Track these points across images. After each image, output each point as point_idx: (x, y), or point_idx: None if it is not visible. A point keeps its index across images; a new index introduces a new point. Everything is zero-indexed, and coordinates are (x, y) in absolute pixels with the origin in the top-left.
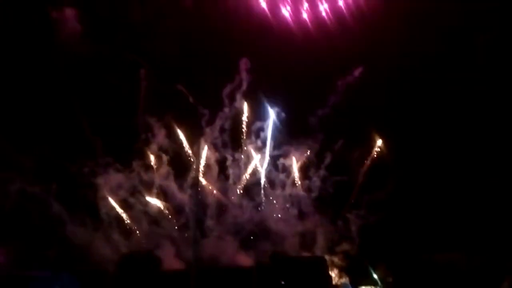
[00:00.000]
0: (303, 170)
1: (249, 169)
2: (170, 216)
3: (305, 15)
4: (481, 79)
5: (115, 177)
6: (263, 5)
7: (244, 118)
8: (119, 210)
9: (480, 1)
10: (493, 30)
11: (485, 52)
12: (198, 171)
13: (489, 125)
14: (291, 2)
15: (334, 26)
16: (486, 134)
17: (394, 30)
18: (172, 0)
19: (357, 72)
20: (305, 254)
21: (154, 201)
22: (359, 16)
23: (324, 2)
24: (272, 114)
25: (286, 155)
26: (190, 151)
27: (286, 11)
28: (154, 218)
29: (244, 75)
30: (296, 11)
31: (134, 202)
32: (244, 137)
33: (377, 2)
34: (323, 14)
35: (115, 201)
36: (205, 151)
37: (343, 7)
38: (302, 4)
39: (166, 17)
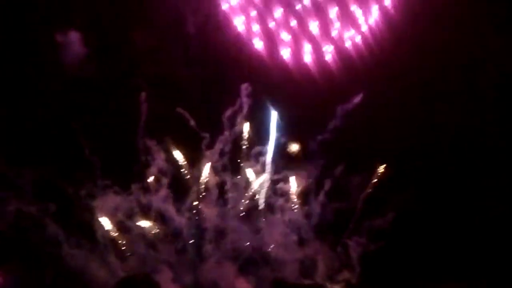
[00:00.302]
0: (303, 195)
1: (248, 194)
2: (168, 240)
3: (307, 57)
4: (488, 108)
5: (113, 200)
6: (259, 45)
7: (244, 141)
8: (116, 233)
9: (490, 36)
10: (501, 64)
11: (491, 83)
12: (199, 190)
13: (496, 153)
14: (292, 42)
15: (339, 67)
16: (491, 162)
17: (399, 62)
18: (175, 27)
19: (358, 98)
20: (306, 281)
21: (149, 225)
22: (366, 55)
23: (329, 43)
24: (272, 138)
25: (285, 180)
26: (189, 175)
27: (286, 53)
28: (152, 241)
29: (245, 100)
30: (297, 52)
31: (132, 225)
32: (244, 161)
33: (385, 40)
34: (328, 56)
35: (112, 223)
36: (206, 171)
37: (349, 48)
38: (303, 46)
39: (169, 42)
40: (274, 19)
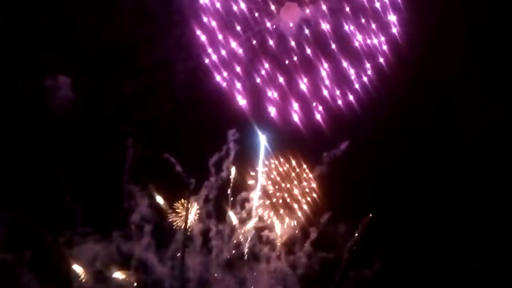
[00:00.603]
0: (288, 244)
1: (233, 242)
2: None
3: (295, 117)
4: (469, 159)
5: (93, 248)
6: (242, 102)
7: (230, 188)
8: (94, 283)
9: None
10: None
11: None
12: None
13: (480, 198)
14: (279, 99)
15: (328, 125)
16: (477, 207)
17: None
18: (164, 73)
19: (343, 146)
20: None
21: (129, 275)
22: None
23: (318, 105)
24: (259, 184)
25: (271, 228)
26: (173, 222)
27: (272, 111)
28: None
29: (231, 146)
30: (284, 110)
31: (111, 275)
32: (229, 208)
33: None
34: (317, 115)
35: (90, 273)
36: (191, 218)
37: (341, 105)
38: (291, 105)
39: (157, 88)
40: (261, 75)
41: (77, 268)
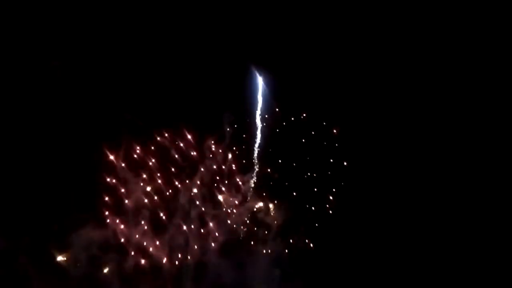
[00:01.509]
0: (285, 227)
1: (229, 225)
2: (146, 276)
3: None
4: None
5: (89, 234)
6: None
7: (226, 170)
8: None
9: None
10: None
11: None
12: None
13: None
14: None
15: None
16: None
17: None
18: (157, 55)
19: (336, 130)
20: None
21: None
22: None
23: None
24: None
25: (266, 211)
26: (169, 207)
27: None
28: (129, 277)
29: (226, 128)
30: None
31: (108, 260)
32: (225, 191)
33: None
34: None
35: (87, 258)
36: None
37: None
38: None
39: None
40: None
41: (73, 255)
